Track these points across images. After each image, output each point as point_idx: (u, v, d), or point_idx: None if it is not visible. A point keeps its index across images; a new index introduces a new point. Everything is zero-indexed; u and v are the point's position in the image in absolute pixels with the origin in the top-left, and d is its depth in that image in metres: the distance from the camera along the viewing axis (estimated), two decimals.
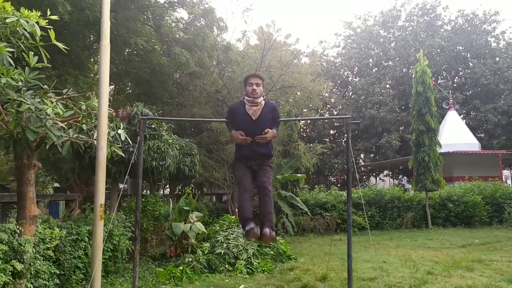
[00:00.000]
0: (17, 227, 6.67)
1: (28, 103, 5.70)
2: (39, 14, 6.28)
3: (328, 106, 39.98)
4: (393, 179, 41.15)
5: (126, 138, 6.78)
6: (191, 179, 14.84)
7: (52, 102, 5.95)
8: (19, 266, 6.23)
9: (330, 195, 20.38)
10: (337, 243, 16.52)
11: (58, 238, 8.22)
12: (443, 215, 21.04)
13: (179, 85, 19.44)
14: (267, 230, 5.37)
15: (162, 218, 11.95)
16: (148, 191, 19.39)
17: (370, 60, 42.41)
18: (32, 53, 5.81)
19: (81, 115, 6.77)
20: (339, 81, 42.56)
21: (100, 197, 6.14)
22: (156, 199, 13.01)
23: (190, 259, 10.57)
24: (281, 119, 6.09)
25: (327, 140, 39.29)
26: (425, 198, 20.58)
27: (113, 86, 18.66)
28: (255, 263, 10.75)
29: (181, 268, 9.79)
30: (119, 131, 6.70)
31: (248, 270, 10.39)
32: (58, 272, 7.98)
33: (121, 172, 10.48)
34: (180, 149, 13.90)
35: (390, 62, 40.67)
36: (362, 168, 41.12)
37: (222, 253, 10.88)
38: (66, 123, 6.54)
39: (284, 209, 17.46)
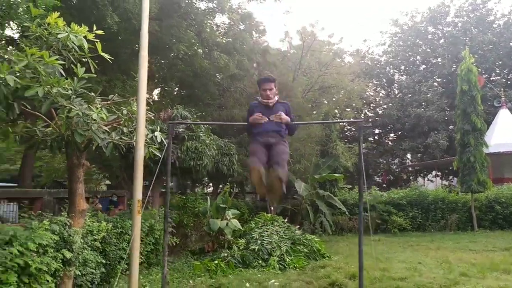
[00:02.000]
0: (68, 220, 7.45)
1: (77, 109, 6.43)
2: (86, 29, 7.05)
3: (372, 105, 39.51)
4: (442, 180, 40.02)
5: (162, 139, 7.38)
6: (230, 178, 15.41)
7: (97, 108, 6.65)
8: (68, 255, 6.99)
9: (369, 195, 20.35)
10: (375, 244, 16.56)
11: (104, 231, 9.02)
12: (490, 217, 20.39)
13: (220, 87, 20.12)
14: (276, 167, 5.14)
15: (201, 215, 12.58)
16: (190, 190, 20.16)
17: (418, 58, 41.46)
18: (80, 64, 6.54)
19: (122, 119, 7.49)
20: (384, 80, 41.91)
21: (138, 193, 6.76)
22: (196, 197, 13.68)
23: (225, 254, 11.13)
24: (294, 122, 6.32)
25: (372, 140, 38.85)
26: (471, 200, 20.07)
27: (159, 89, 19.60)
28: (287, 259, 11.15)
29: (216, 262, 10.36)
30: (156, 133, 7.32)
31: (280, 266, 10.81)
32: (104, 261, 8.76)
33: (161, 171, 11.16)
34: (219, 149, 14.53)
35: (439, 59, 39.56)
36: (410, 168, 40.28)
37: (256, 249, 11.35)
38: (109, 126, 7.26)
39: (322, 208, 17.70)
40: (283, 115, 5.76)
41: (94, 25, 6.97)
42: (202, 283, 9.18)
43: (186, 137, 11.18)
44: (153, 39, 14.41)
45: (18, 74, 5.94)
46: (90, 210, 10.13)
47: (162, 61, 18.41)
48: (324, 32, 55.40)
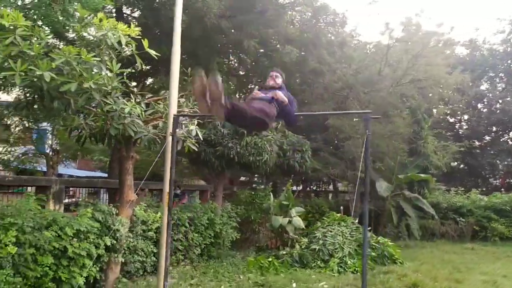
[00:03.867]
0: (114, 209, 7.87)
1: (112, 103, 6.76)
2: (129, 27, 7.36)
3: (486, 100, 35.63)
4: None
5: (197, 133, 7.42)
6: (302, 175, 15.07)
7: (132, 103, 6.92)
8: (108, 241, 7.37)
9: (467, 199, 18.42)
10: (466, 252, 14.97)
11: (159, 221, 9.38)
12: None
13: (303, 83, 19.78)
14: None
15: (265, 211, 12.49)
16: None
17: None
18: (115, 60, 6.84)
19: (163, 114, 7.70)
20: (501, 73, 37.51)
21: (167, 186, 6.89)
22: (266, 193, 13.60)
23: (284, 252, 10.89)
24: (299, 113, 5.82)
25: (488, 137, 35.05)
26: None
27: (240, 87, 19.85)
28: (349, 262, 10.56)
29: (269, 259, 10.17)
30: (191, 127, 7.39)
31: (339, 268, 10.26)
32: (156, 251, 9.09)
33: (222, 166, 11.33)
34: (291, 145, 14.28)
35: None
36: None
37: (316, 249, 10.93)
38: (148, 120, 7.52)
39: (408, 211, 16.44)
40: (279, 93, 5.41)
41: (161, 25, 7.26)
42: (250, 279, 9.07)
43: (245, 132, 11.15)
44: (224, 36, 14.66)
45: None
46: (149, 201, 10.64)
47: (247, 58, 18.64)
48: (430, 22, 51.70)
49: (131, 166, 8.30)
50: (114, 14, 14.61)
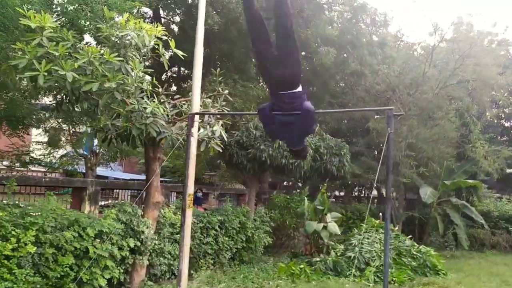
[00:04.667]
0: (138, 210, 7.80)
1: (133, 103, 6.68)
2: (158, 27, 7.31)
3: None
4: None
5: (221, 133, 7.20)
6: (340, 179, 14.54)
7: (155, 103, 6.82)
8: (132, 243, 7.29)
9: None
10: None
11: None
12: None
13: (343, 85, 19.24)
14: None
15: (299, 216, 12.10)
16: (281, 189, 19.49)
17: None
18: (138, 60, 6.78)
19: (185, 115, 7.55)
20: None
21: (189, 188, 6.70)
22: (301, 197, 13.21)
23: (318, 259, 10.47)
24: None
25: None
26: None
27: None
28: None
29: (301, 266, 9.79)
30: (215, 127, 7.18)
31: (376, 278, 9.70)
32: None
33: (255, 169, 11.08)
34: (329, 149, 13.82)
35: None
36: None
37: (352, 257, 10.42)
38: (173, 121, 7.39)
39: (454, 219, 15.46)
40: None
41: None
42: (278, 286, 8.73)
43: None
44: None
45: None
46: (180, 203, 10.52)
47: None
48: (482, 21, 49.18)
49: (158, 168, 8.23)
50: (148, 18, 14.82)
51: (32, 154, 12.29)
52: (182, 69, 18.21)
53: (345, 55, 16.71)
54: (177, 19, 16.62)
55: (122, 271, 7.34)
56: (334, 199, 19.10)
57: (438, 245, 15.66)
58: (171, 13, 16.13)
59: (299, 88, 4.47)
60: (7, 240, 5.56)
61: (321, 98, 17.90)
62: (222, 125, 7.38)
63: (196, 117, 6.51)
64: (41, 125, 11.71)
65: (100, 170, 17.16)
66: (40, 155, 12.67)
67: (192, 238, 9.41)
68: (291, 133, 4.73)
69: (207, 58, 16.43)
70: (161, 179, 22.07)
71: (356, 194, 21.88)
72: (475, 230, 16.40)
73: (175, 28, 16.69)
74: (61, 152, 14.13)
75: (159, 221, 8.51)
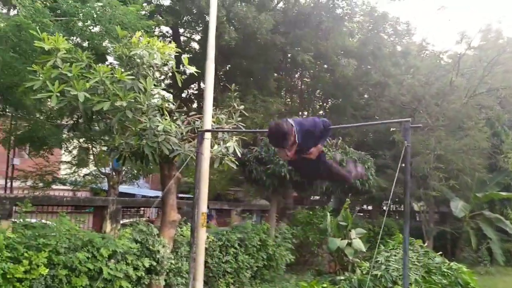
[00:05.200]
0: (155, 229, 7.70)
1: (145, 121, 6.64)
2: (174, 45, 7.29)
3: None
4: None
5: (235, 149, 7.05)
6: (365, 193, 14.15)
7: (167, 120, 6.75)
8: (147, 263, 7.17)
9: None
10: None
11: (206, 243, 9.08)
12: None
13: (370, 97, 18.90)
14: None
15: (322, 232, 11.78)
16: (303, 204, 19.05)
17: None
18: (150, 78, 6.74)
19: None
20: None
21: (203, 206, 6.57)
22: (324, 213, 12.89)
23: (342, 278, 10.08)
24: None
25: None
26: None
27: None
28: None
29: (324, 285, 9.43)
30: (228, 144, 7.04)
31: None
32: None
33: (274, 185, 10.88)
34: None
35: None
36: None
37: (378, 275, 9.98)
38: (185, 138, 7.30)
39: (488, 233, 14.75)
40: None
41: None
42: None
43: None
44: (279, 52, 14.35)
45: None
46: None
47: (307, 74, 18.24)
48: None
49: (174, 186, 8.13)
50: (169, 37, 14.99)
51: (57, 174, 12.52)
52: (203, 85, 18.37)
53: (368, 66, 16.45)
54: (198, 37, 16.80)
55: None
56: (361, 214, 18.61)
57: (472, 261, 14.94)
58: (191, 31, 16.31)
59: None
60: (19, 262, 5.53)
61: (344, 110, 17.65)
62: (237, 141, 7.24)
63: (208, 135, 6.41)
64: (64, 145, 11.92)
65: (126, 188, 17.33)
66: (64, 174, 12.88)
67: (210, 256, 9.27)
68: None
69: (227, 74, 16.53)
70: (187, 195, 22.23)
71: (384, 208, 21.28)
72: (511, 245, 15.59)
73: (195, 45, 16.87)
74: (85, 171, 14.34)
75: (176, 240, 8.39)
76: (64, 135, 10.76)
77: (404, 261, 4.38)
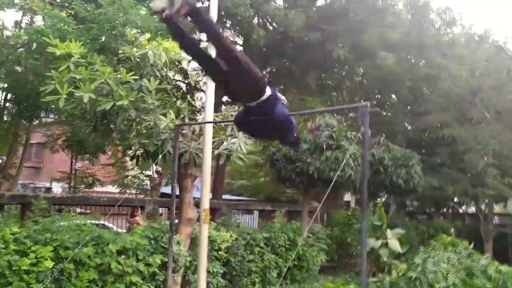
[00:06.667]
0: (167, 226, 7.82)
1: (149, 120, 6.77)
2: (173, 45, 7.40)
3: None
4: None
5: (240, 147, 6.97)
6: (410, 192, 13.39)
7: (170, 118, 6.83)
8: (158, 259, 7.29)
9: None
10: None
11: (229, 241, 9.08)
12: None
13: (419, 92, 17.95)
14: None
15: (357, 233, 11.31)
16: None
17: None
18: (153, 78, 6.86)
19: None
20: None
21: (205, 203, 6.55)
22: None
23: (374, 280, 9.62)
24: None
25: None
26: None
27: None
28: None
29: (351, 287, 9.05)
30: (233, 140, 6.98)
31: None
32: (223, 271, 8.77)
33: (303, 183, 10.64)
34: (393, 160, 12.86)
35: None
36: None
37: (413, 277, 9.38)
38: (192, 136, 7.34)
39: None
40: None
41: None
42: None
43: (325, 146, 10.30)
44: (315, 49, 14.03)
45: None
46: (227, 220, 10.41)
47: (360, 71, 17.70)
48: None
49: (191, 184, 8.21)
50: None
51: (100, 176, 13.19)
52: None
53: (412, 60, 15.64)
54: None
55: (153, 287, 7.37)
56: (408, 215, 17.67)
57: None
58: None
59: (265, 95, 3.99)
60: (26, 255, 5.85)
61: (391, 106, 16.90)
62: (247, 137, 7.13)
63: (209, 129, 6.41)
64: (105, 149, 12.50)
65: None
66: (107, 176, 13.53)
67: (234, 255, 9.23)
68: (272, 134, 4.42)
69: (269, 75, 16.46)
70: (237, 197, 22.40)
71: (434, 209, 20.02)
72: None
73: None
74: (132, 172, 14.97)
75: (194, 238, 8.45)
76: (97, 140, 11.29)
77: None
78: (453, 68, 16.12)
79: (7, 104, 9.80)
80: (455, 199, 19.01)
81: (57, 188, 16.09)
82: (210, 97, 6.71)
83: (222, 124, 7.28)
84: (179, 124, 5.96)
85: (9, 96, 9.79)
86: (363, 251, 4.04)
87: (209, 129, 6.54)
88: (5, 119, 10.02)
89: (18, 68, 9.26)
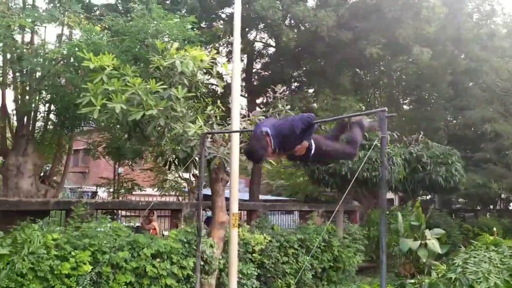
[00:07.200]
0: (203, 230, 8.00)
1: (179, 127, 6.96)
2: (214, 52, 7.61)
3: None
4: None
5: None
6: (451, 190, 12.99)
7: (198, 125, 6.99)
8: (191, 262, 7.49)
9: None
10: None
11: (262, 243, 9.17)
12: None
13: (461, 86, 17.36)
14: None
15: (393, 232, 11.10)
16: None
17: None
18: (181, 86, 7.05)
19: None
20: None
21: (234, 206, 6.67)
22: (405, 213, 12.15)
23: (411, 281, 9.42)
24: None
25: None
26: None
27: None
28: None
29: None
30: None
31: None
32: (257, 273, 8.87)
33: (337, 184, 10.58)
34: (432, 157, 12.53)
35: None
36: None
37: (452, 278, 9.12)
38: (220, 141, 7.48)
39: None
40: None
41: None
42: None
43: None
44: (347, 48, 13.86)
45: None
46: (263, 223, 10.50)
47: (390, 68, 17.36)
48: None
49: (222, 188, 8.37)
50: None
51: (139, 181, 13.64)
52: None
53: (451, 52, 15.12)
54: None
55: None
56: (453, 213, 17.10)
57: None
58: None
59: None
60: (66, 260, 6.19)
61: (432, 103, 16.45)
62: None
63: (236, 137, 6.52)
64: (142, 155, 12.91)
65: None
66: (146, 180, 13.97)
67: (268, 257, 9.31)
68: None
69: (298, 75, 16.44)
70: (276, 198, 22.44)
71: (481, 206, 19.25)
72: None
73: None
74: (170, 176, 15.36)
75: (227, 240, 8.59)
76: (134, 146, 11.68)
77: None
78: (494, 61, 15.51)
79: (51, 115, 10.34)
80: (503, 196, 18.32)
81: (102, 193, 16.78)
82: (236, 106, 6.83)
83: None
84: (204, 133, 6.10)
85: (52, 107, 10.32)
86: (382, 256, 4.00)
87: (235, 138, 6.65)
88: (49, 128, 10.58)
89: (59, 81, 9.76)
